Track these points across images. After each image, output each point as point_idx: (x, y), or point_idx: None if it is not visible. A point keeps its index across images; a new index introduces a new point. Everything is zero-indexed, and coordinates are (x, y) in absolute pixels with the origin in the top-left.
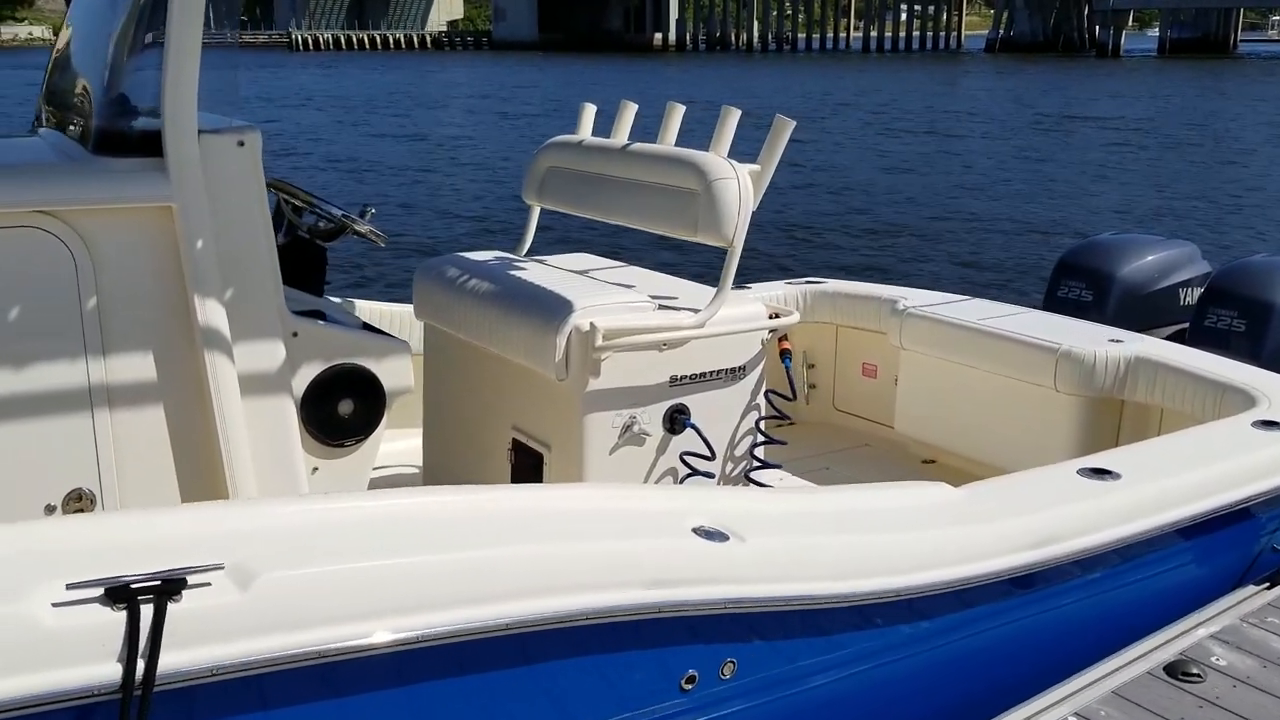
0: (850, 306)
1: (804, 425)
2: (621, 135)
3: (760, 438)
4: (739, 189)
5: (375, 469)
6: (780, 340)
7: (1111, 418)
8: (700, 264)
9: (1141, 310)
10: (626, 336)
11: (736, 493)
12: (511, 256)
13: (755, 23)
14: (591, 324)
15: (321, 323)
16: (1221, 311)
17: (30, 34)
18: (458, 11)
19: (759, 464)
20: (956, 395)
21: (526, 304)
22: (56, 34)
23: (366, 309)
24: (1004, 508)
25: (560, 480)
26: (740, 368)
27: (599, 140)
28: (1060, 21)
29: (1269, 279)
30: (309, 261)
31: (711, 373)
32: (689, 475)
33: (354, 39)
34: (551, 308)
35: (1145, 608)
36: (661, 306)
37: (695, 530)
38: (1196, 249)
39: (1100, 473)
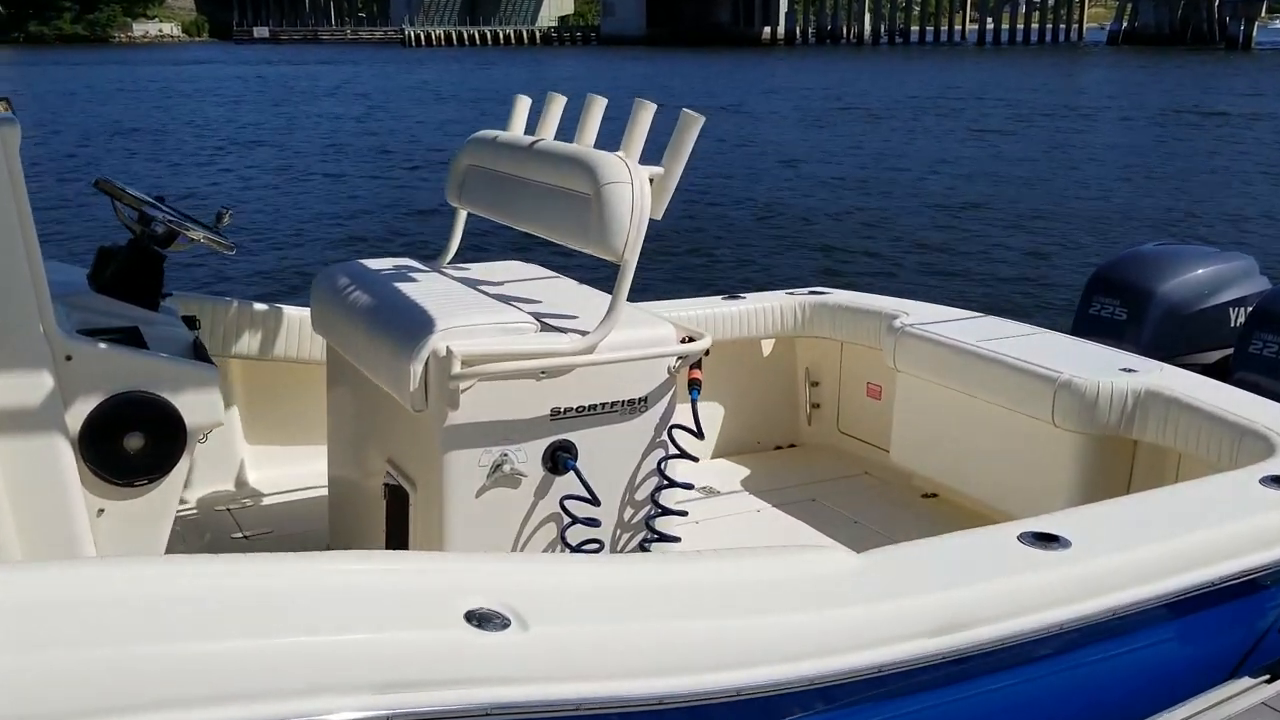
0: (851, 321)
1: (805, 449)
2: (545, 132)
3: (663, 481)
4: (634, 195)
5: (285, 493)
6: (691, 369)
7: (1122, 460)
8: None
9: (1183, 332)
10: (491, 363)
11: (552, 563)
12: (414, 264)
13: (867, 15)
14: (448, 348)
15: (105, 345)
16: (1269, 337)
17: (160, 30)
18: (568, 7)
19: (660, 510)
20: (953, 425)
21: (389, 323)
22: (185, 31)
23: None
24: (911, 583)
25: (425, 524)
26: (640, 400)
27: (512, 137)
28: (1188, 12)
29: None
30: (143, 271)
31: (604, 405)
32: (571, 524)
33: (465, 35)
34: (410, 328)
35: (1102, 703)
36: (550, 328)
37: (469, 615)
38: (1254, 263)
39: (1045, 539)
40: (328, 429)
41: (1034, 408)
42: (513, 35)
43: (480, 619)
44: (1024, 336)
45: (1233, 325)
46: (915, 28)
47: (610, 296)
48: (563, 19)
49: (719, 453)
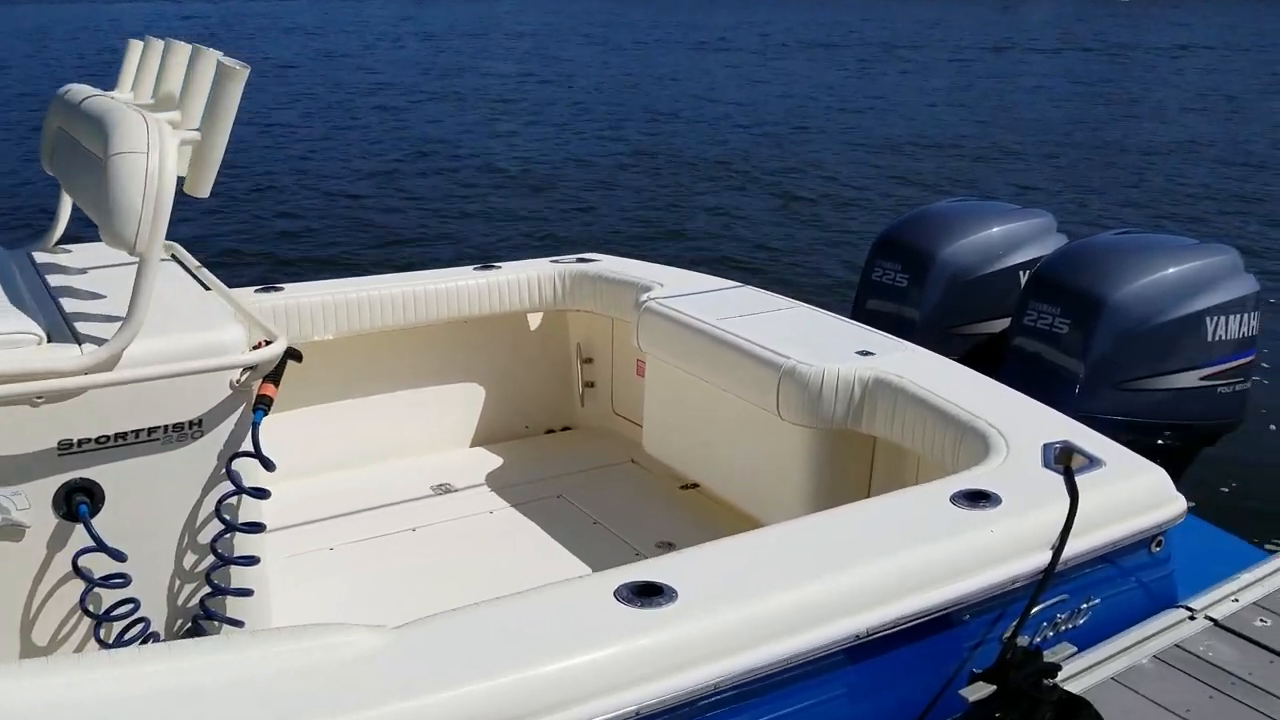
0: (611, 293)
1: (580, 432)
2: (140, 87)
3: (225, 525)
4: (149, 169)
5: None
6: (264, 382)
7: (860, 460)
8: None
9: (968, 298)
10: None
11: None
12: None
13: None
14: None
15: None
16: (1044, 307)
17: None
18: None
19: (221, 560)
20: (696, 414)
21: None
22: None
23: None
24: (445, 671)
25: None
26: (192, 424)
27: (80, 91)
28: None
29: (1101, 266)
30: None
31: (135, 434)
32: (90, 588)
33: None
34: None
35: None
36: (73, 337)
37: None
38: (1053, 220)
39: (646, 593)
40: None
41: (761, 398)
42: None
43: None
44: (774, 313)
45: (1023, 289)
46: None
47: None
48: None
49: (479, 440)
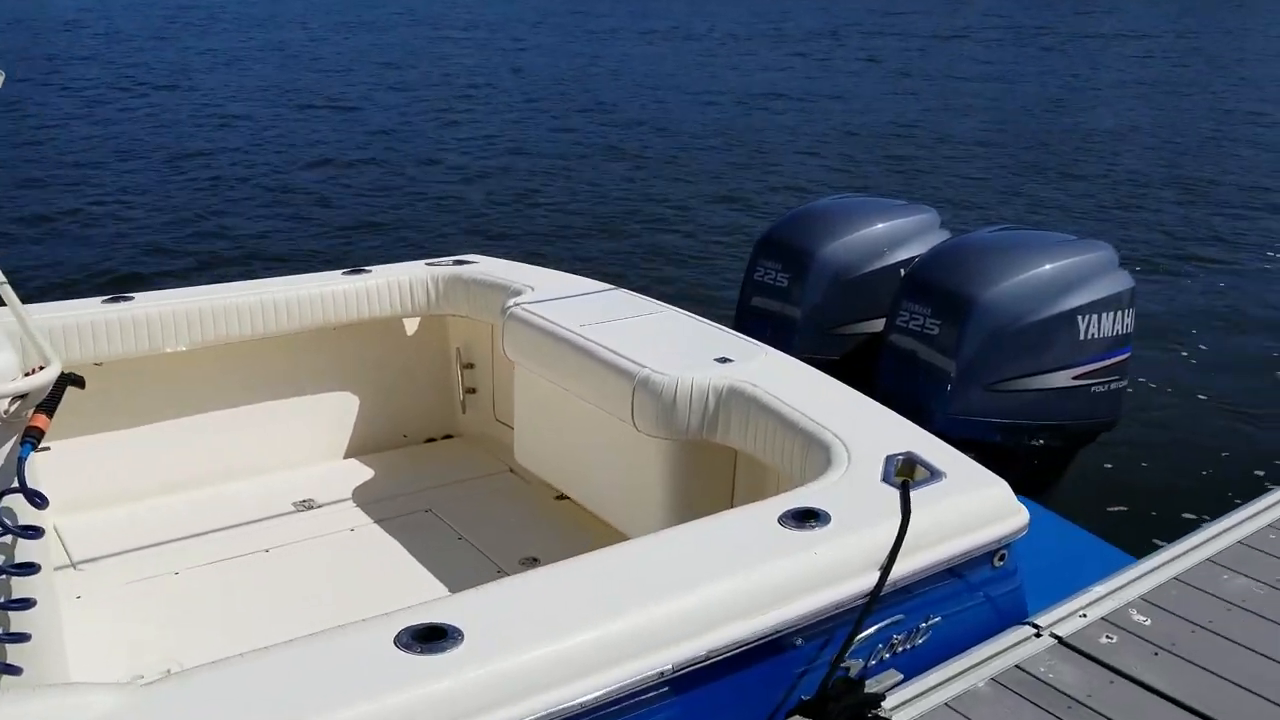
0: (484, 297)
1: (462, 440)
2: None
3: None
4: None
5: None
6: (35, 413)
7: (720, 472)
8: None
9: (850, 297)
10: None
11: None
12: None
13: None
14: None
15: None
16: (916, 307)
17: None
18: None
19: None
20: (562, 425)
21: None
22: None
23: None
24: None
25: None
26: None
27: None
28: None
29: (973, 265)
30: None
31: None
32: None
33: None
34: None
35: None
36: None
37: None
38: (936, 215)
39: (429, 637)
40: None
41: (618, 408)
42: None
43: None
44: (638, 318)
45: (898, 288)
46: None
47: None
48: None
49: (352, 452)
